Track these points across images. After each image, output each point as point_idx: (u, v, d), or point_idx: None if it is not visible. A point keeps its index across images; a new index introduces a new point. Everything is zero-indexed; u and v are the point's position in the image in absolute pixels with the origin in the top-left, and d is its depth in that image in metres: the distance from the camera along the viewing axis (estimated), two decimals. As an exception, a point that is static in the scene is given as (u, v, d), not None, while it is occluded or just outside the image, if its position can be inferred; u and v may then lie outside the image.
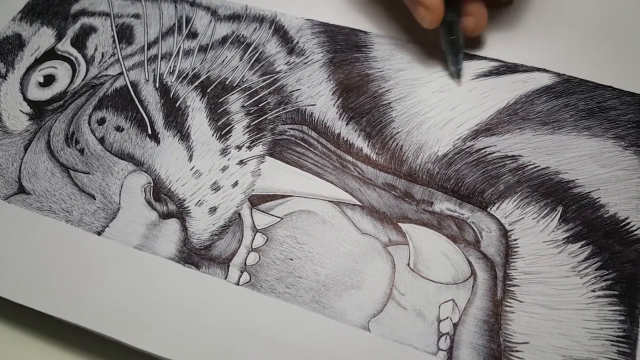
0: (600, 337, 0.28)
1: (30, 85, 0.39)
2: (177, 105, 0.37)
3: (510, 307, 0.29)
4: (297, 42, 0.40)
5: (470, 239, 0.31)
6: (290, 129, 0.36)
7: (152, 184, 0.34)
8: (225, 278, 0.30)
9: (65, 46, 0.41)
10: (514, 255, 0.31)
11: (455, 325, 0.29)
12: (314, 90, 0.37)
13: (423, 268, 0.30)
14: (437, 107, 0.36)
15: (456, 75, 0.37)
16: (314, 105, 0.37)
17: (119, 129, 0.36)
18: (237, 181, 0.34)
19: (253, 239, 0.32)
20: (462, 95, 0.36)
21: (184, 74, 0.38)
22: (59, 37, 0.41)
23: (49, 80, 0.39)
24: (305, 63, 0.38)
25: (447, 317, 0.29)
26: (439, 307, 0.29)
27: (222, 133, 0.35)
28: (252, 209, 0.33)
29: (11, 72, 0.39)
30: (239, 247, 0.31)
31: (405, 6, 0.37)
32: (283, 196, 0.33)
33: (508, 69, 0.37)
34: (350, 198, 0.33)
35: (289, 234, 0.32)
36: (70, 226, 0.33)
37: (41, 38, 0.41)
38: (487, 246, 0.31)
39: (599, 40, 0.39)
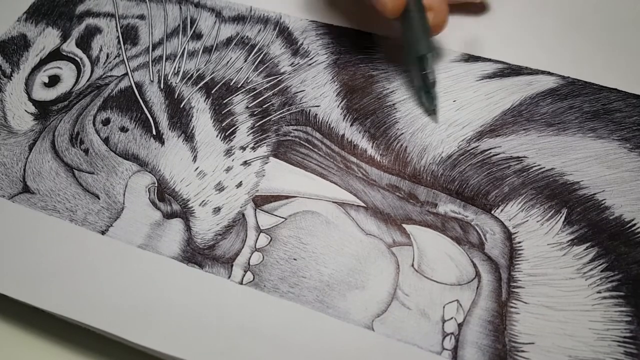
0: (606, 337, 0.28)
1: (35, 85, 0.39)
2: (181, 106, 0.37)
3: (515, 308, 0.29)
4: (302, 44, 0.40)
5: (474, 241, 0.31)
6: (295, 130, 0.36)
7: (156, 184, 0.34)
8: (229, 277, 0.30)
9: (70, 47, 0.41)
10: (518, 257, 0.30)
11: (459, 325, 0.28)
12: (318, 91, 0.37)
13: (427, 269, 0.30)
14: (441, 109, 0.36)
15: (432, 112, 0.36)
16: (318, 106, 0.37)
17: (123, 129, 0.36)
18: (241, 182, 0.34)
19: (257, 239, 0.32)
20: (467, 96, 0.36)
21: (189, 75, 0.38)
22: (64, 37, 0.41)
23: (53, 80, 0.39)
24: (309, 64, 0.39)
25: (452, 318, 0.29)
26: (444, 307, 0.29)
27: (227, 134, 0.35)
28: (256, 210, 0.33)
29: (16, 72, 0.39)
30: (243, 247, 0.31)
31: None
32: (287, 197, 0.33)
33: (512, 71, 0.37)
34: (354, 199, 0.33)
35: (292, 235, 0.32)
36: (74, 225, 0.33)
37: (46, 38, 0.41)
38: (492, 248, 0.31)
39: (603, 42, 0.39)
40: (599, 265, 0.30)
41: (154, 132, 0.36)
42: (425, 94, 0.36)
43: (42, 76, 0.39)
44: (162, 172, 0.34)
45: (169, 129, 0.36)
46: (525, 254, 0.30)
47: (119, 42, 0.41)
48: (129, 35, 0.41)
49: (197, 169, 0.34)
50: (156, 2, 0.43)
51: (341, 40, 0.40)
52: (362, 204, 0.33)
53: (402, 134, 0.35)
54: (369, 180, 0.33)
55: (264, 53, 0.39)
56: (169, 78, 0.38)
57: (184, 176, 0.34)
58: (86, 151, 0.35)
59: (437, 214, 0.32)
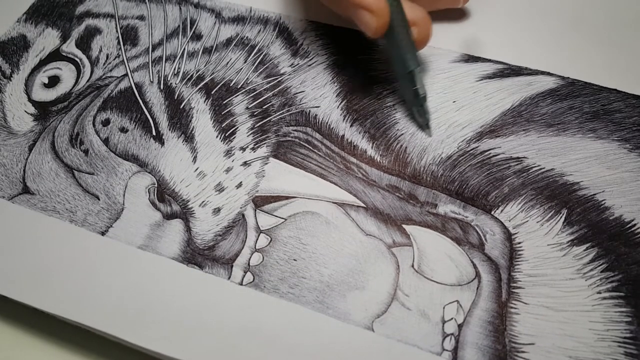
0: (606, 338, 0.28)
1: (35, 86, 0.39)
2: (181, 106, 0.37)
3: (515, 308, 0.29)
4: (302, 44, 0.40)
5: (474, 242, 0.31)
6: (294, 130, 0.36)
7: (156, 185, 0.34)
8: (229, 278, 0.30)
9: (70, 47, 0.41)
10: (518, 258, 0.30)
11: (460, 326, 0.28)
12: (318, 92, 0.37)
13: (427, 269, 0.30)
14: (441, 109, 0.36)
15: (425, 126, 0.35)
16: (318, 107, 0.37)
17: (123, 130, 0.36)
18: (241, 182, 0.34)
19: (257, 239, 0.32)
20: (467, 96, 0.36)
21: (189, 76, 0.38)
22: (64, 38, 0.41)
23: (53, 81, 0.39)
24: (309, 65, 0.39)
25: (452, 318, 0.29)
26: (444, 308, 0.29)
27: (227, 134, 0.35)
28: (256, 210, 0.33)
29: (16, 73, 0.39)
30: (243, 248, 0.31)
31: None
32: (287, 197, 0.33)
33: (512, 71, 0.37)
34: (354, 200, 0.33)
35: (292, 235, 0.32)
36: (74, 226, 0.33)
37: (46, 39, 0.41)
38: (492, 249, 0.31)
39: (603, 43, 0.39)
40: (599, 266, 0.30)
41: (154, 133, 0.36)
42: (417, 109, 0.35)
43: (42, 77, 0.39)
44: (162, 172, 0.34)
45: (169, 130, 0.36)
46: (525, 255, 0.30)
47: (118, 42, 0.41)
48: (129, 36, 0.41)
49: (197, 169, 0.34)
50: (156, 2, 0.43)
51: (341, 41, 0.40)
52: (362, 205, 0.33)
53: (402, 134, 0.35)
54: (369, 181, 0.33)
55: (263, 54, 0.39)
56: (168, 79, 0.38)
57: (184, 177, 0.34)
58: (86, 152, 0.35)
59: (437, 215, 0.32)
